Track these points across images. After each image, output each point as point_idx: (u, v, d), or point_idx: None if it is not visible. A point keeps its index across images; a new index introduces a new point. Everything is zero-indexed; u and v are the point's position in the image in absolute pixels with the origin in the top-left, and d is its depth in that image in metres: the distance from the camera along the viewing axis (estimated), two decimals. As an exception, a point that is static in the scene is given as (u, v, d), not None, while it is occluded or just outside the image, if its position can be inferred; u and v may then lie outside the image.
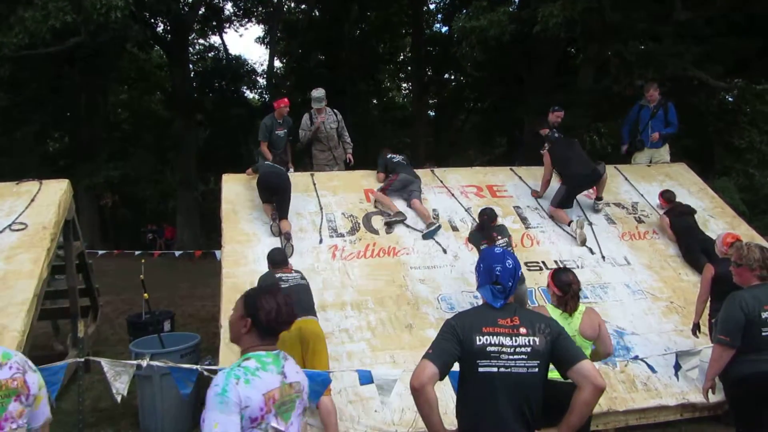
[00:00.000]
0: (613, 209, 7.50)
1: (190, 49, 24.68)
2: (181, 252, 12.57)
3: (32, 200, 6.50)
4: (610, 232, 7.12)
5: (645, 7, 11.09)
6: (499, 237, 5.79)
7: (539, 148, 7.91)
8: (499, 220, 6.47)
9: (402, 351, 5.27)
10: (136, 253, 13.02)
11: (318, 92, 8.11)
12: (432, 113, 28.22)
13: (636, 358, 5.17)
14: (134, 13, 13.20)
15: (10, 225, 6.16)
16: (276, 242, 6.23)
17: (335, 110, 8.30)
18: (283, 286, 4.88)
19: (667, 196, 7.32)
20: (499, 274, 2.70)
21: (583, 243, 6.83)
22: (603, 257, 6.69)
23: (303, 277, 5.12)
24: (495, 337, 2.60)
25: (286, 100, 8.09)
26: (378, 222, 6.85)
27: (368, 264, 6.29)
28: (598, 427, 5.01)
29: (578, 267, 6.54)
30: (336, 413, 4.58)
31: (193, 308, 10.11)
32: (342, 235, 6.62)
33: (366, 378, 4.24)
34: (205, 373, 4.19)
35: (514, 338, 2.60)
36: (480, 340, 2.59)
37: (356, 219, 6.86)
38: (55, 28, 11.02)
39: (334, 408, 4.58)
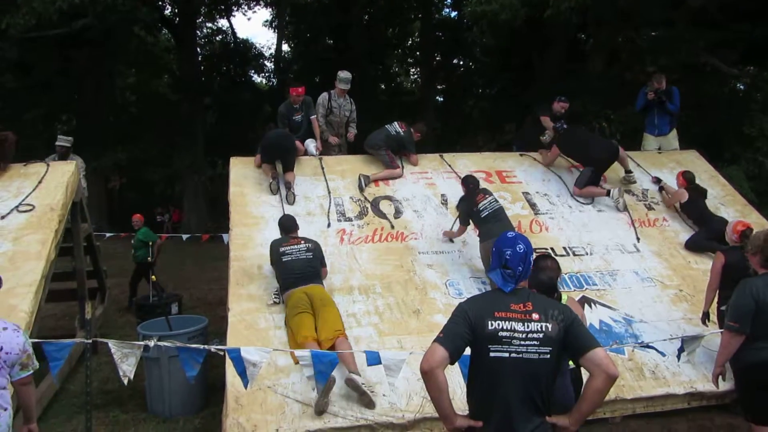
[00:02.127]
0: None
1: (198, 32, 24.56)
2: (188, 235, 12.58)
3: (40, 182, 6.52)
4: (620, 219, 7.06)
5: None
6: (486, 195, 6.04)
7: (538, 135, 7.95)
8: (509, 206, 6.50)
9: (409, 336, 5.25)
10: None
11: (345, 74, 8.06)
12: (440, 99, 28.06)
13: (642, 343, 5.14)
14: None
15: (17, 206, 6.18)
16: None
17: (351, 99, 8.23)
18: (285, 260, 5.32)
19: (688, 177, 7.31)
20: (509, 258, 2.66)
21: (625, 209, 7.08)
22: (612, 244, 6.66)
23: (309, 249, 5.40)
24: (507, 322, 2.57)
25: (300, 89, 7.79)
26: (386, 206, 6.82)
27: (376, 248, 6.27)
28: (605, 415, 5.00)
29: (587, 254, 6.52)
30: (353, 354, 4.73)
31: (200, 292, 10.14)
32: (350, 220, 6.60)
33: (374, 359, 4.22)
34: (213, 349, 4.18)
35: (526, 324, 2.57)
36: (492, 324, 2.57)
37: (364, 203, 6.83)
38: (63, 10, 10.98)
39: (349, 346, 4.84)
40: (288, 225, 5.66)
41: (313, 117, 7.84)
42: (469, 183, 6.28)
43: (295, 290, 5.17)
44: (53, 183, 6.49)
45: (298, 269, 5.28)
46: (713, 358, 4.31)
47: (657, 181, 7.72)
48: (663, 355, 5.03)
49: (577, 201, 7.24)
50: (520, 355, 2.56)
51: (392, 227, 6.55)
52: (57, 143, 8.29)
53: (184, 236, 12.29)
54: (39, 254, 5.66)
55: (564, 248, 6.52)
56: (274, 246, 5.49)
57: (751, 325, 3.75)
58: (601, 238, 6.76)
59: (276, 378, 4.74)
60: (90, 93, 19.18)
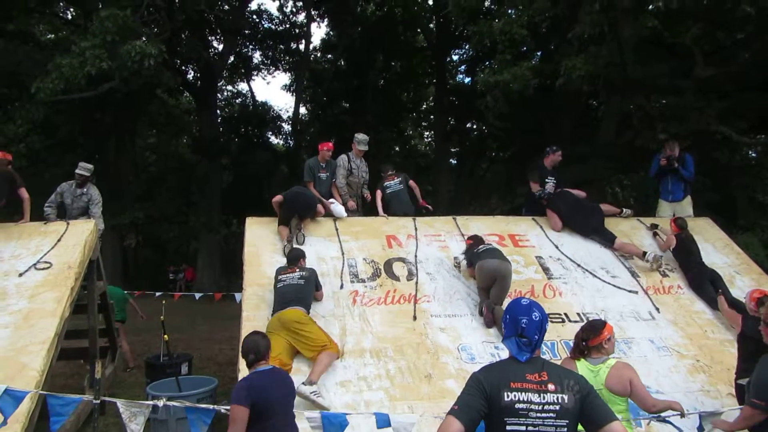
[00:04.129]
0: (636, 262, 7.39)
1: (218, 95, 25.35)
2: (201, 294, 12.61)
3: (59, 240, 6.63)
4: (635, 286, 7.01)
5: (667, 62, 11.19)
6: (484, 244, 6.68)
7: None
8: (522, 270, 6.75)
9: (421, 401, 5.16)
10: (157, 294, 13.11)
11: (363, 136, 8.33)
12: (454, 161, 28.42)
13: (659, 418, 5.00)
14: (166, 60, 13.64)
15: (35, 264, 6.27)
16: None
17: (366, 162, 8.44)
18: (278, 286, 5.79)
19: (679, 223, 7.52)
20: (524, 327, 2.65)
21: (658, 269, 7.28)
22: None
23: (302, 276, 5.82)
24: (523, 393, 2.53)
25: (330, 144, 8.21)
26: (399, 268, 6.84)
27: (388, 311, 6.24)
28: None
29: (601, 320, 6.42)
30: (328, 365, 5.19)
31: (211, 351, 10.09)
32: (363, 281, 6.60)
33: (383, 422, 4.16)
34: (223, 410, 4.14)
35: (542, 395, 2.53)
36: (508, 396, 2.53)
37: (377, 265, 6.85)
38: (91, 75, 11.41)
39: (329, 361, 5.22)
40: (289, 258, 6.15)
41: (334, 181, 8.05)
42: (474, 238, 6.95)
43: (273, 316, 5.55)
44: (72, 241, 6.61)
45: (287, 294, 5.66)
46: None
47: (654, 226, 7.93)
48: (680, 431, 4.88)
49: (586, 269, 7.17)
50: (537, 429, 2.51)
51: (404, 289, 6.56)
52: (77, 171, 7.81)
53: (197, 295, 12.31)
54: (54, 312, 5.71)
55: (578, 314, 6.44)
56: (276, 273, 6.01)
57: None
58: (616, 304, 6.68)
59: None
60: (111, 152, 19.69)
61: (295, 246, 6.69)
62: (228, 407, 4.22)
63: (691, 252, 7.27)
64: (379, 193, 8.18)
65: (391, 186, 8.18)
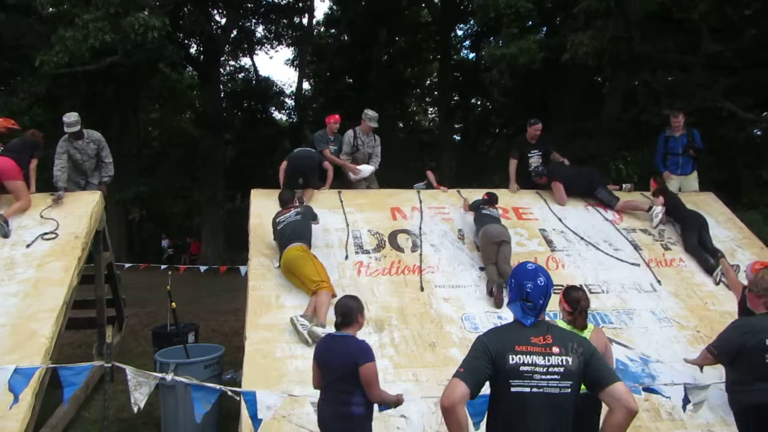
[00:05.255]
0: (639, 235, 7.43)
1: (221, 69, 25.21)
2: (206, 267, 12.69)
3: (65, 210, 6.67)
4: (636, 258, 7.05)
5: (673, 38, 11.10)
6: (493, 206, 7.02)
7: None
8: (525, 242, 6.94)
9: (425, 369, 5.23)
10: (162, 267, 13.20)
11: (373, 113, 8.27)
12: (457, 137, 28.33)
13: (645, 387, 5.03)
14: (170, 34, 13.55)
15: (42, 234, 6.32)
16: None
17: (375, 135, 8.41)
18: (279, 228, 6.15)
19: (658, 180, 7.93)
20: (529, 291, 2.68)
21: (657, 225, 7.55)
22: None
23: (298, 212, 6.21)
24: (528, 356, 2.57)
25: (337, 116, 8.29)
26: (403, 240, 6.89)
27: (393, 281, 6.30)
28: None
29: (603, 292, 6.49)
30: (329, 304, 5.34)
31: (216, 323, 10.17)
32: (368, 252, 6.66)
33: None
34: (229, 393, 4.20)
35: (546, 357, 2.58)
36: (513, 359, 2.57)
37: (382, 236, 6.90)
38: (94, 48, 11.35)
39: (327, 301, 5.43)
40: (284, 198, 6.55)
41: (325, 149, 8.05)
42: (491, 194, 7.24)
43: (282, 255, 5.93)
44: (78, 211, 6.65)
45: (286, 233, 6.03)
46: (712, 407, 4.61)
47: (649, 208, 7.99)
48: (668, 398, 4.95)
49: (589, 242, 7.21)
50: (542, 390, 2.55)
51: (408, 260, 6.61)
52: (65, 129, 7.23)
53: (202, 268, 12.39)
54: (62, 281, 5.77)
55: (581, 285, 6.49)
56: (273, 218, 6.33)
57: (744, 366, 3.89)
58: (618, 276, 6.74)
59: (291, 408, 4.73)
60: (115, 127, 19.67)
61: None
62: (234, 389, 4.30)
63: (681, 205, 7.62)
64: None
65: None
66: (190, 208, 23.49)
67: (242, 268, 12.43)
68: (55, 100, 15.08)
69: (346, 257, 6.55)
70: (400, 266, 6.53)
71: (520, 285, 2.73)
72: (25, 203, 6.59)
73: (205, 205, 20.64)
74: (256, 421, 3.96)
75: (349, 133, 8.21)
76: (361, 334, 5.56)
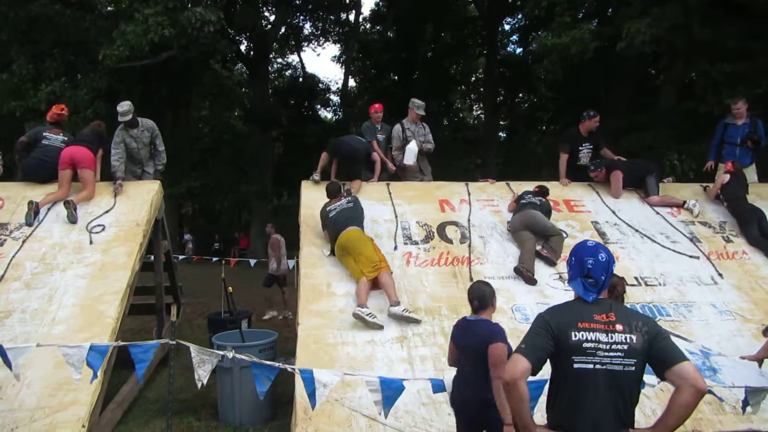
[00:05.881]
0: (698, 228, 7.23)
1: (269, 66, 25.61)
2: (255, 261, 12.96)
3: (128, 198, 6.93)
4: (695, 251, 6.86)
5: (736, 24, 10.71)
6: (535, 196, 6.95)
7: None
8: (577, 234, 6.85)
9: (476, 358, 5.23)
10: (213, 259, 13.55)
11: (420, 102, 8.27)
12: (503, 134, 28.05)
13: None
14: (223, 29, 13.88)
15: (107, 221, 6.58)
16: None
17: (424, 123, 8.39)
18: (331, 216, 6.29)
19: (736, 165, 7.62)
20: (591, 267, 2.66)
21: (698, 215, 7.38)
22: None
23: (350, 201, 6.42)
24: (591, 333, 2.56)
25: (379, 105, 8.36)
26: (452, 232, 6.88)
27: (442, 272, 6.30)
28: (682, 448, 4.80)
29: (660, 284, 6.34)
30: (394, 285, 5.69)
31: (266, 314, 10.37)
32: (416, 243, 6.68)
33: (438, 387, 4.21)
34: (289, 369, 4.29)
35: (610, 335, 2.55)
36: (575, 335, 2.56)
37: (431, 228, 6.91)
38: (154, 41, 11.72)
39: (392, 281, 5.71)
40: (332, 190, 6.69)
41: (373, 141, 8.03)
42: (541, 186, 7.29)
43: (338, 238, 6.07)
44: (139, 200, 6.90)
45: (340, 219, 6.21)
46: None
47: (704, 189, 7.87)
48: (721, 400, 4.81)
49: (644, 234, 7.05)
50: (605, 367, 2.53)
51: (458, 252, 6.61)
52: (120, 119, 7.46)
53: (252, 261, 12.66)
54: (125, 265, 6.00)
55: (636, 278, 6.36)
56: (322, 209, 6.48)
57: None
58: (675, 269, 6.57)
59: (344, 392, 4.80)
60: (168, 123, 20.23)
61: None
62: (292, 366, 4.39)
63: (741, 189, 7.38)
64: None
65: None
66: (239, 204, 23.94)
67: (290, 262, 12.72)
68: (113, 96, 15.59)
69: (395, 248, 6.58)
70: (449, 257, 6.53)
71: (581, 262, 2.70)
72: (92, 192, 6.87)
73: (253, 200, 21.02)
74: (312, 399, 4.03)
75: (397, 127, 8.19)
76: (407, 324, 5.63)
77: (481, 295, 3.99)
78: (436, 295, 5.99)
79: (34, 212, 6.45)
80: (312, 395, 4.01)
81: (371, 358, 5.21)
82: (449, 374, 4.90)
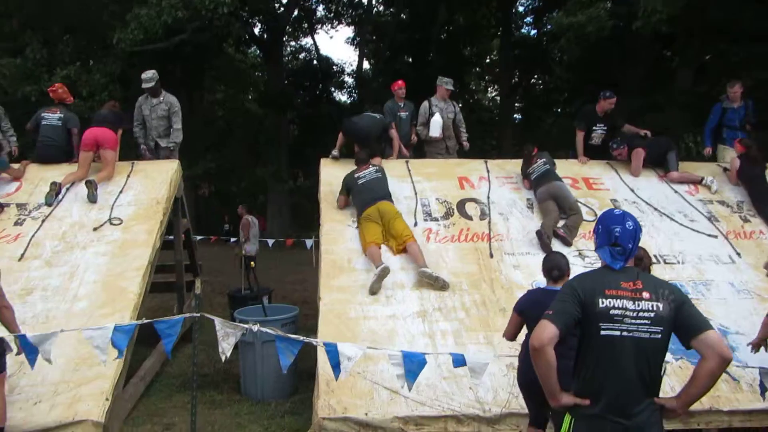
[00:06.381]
0: (716, 207, 7.20)
1: (283, 49, 25.54)
2: (273, 240, 13.06)
3: (146, 177, 7.00)
4: (713, 230, 6.83)
5: (750, 6, 10.54)
6: (538, 159, 7.08)
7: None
8: (598, 212, 6.74)
9: (496, 333, 5.23)
10: (231, 240, 13.64)
11: (449, 77, 8.29)
12: (518, 116, 27.85)
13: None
14: (236, 11, 13.85)
15: (126, 199, 6.66)
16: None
17: (455, 102, 8.35)
18: (360, 182, 6.45)
19: (744, 142, 7.50)
20: (618, 235, 2.66)
21: (716, 191, 7.41)
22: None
23: (378, 170, 6.58)
24: (618, 300, 2.56)
25: (401, 81, 8.31)
26: (472, 208, 6.90)
27: (462, 248, 6.34)
28: (699, 426, 4.83)
29: (679, 262, 6.34)
30: (422, 252, 5.92)
31: (285, 291, 10.45)
32: (436, 220, 6.71)
33: (459, 361, 4.20)
34: (314, 342, 4.33)
35: (636, 302, 2.56)
36: (603, 302, 2.56)
37: (450, 205, 6.93)
38: (167, 24, 11.73)
39: (419, 248, 5.96)
40: (359, 158, 6.82)
41: (392, 123, 7.93)
42: (524, 149, 7.53)
43: (371, 206, 6.25)
44: (158, 179, 6.97)
45: (374, 189, 6.40)
46: None
47: (724, 170, 7.77)
48: (735, 380, 4.80)
49: (663, 213, 7.03)
50: (632, 334, 2.54)
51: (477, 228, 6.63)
52: (143, 85, 7.70)
53: (270, 241, 12.75)
54: (146, 242, 6.09)
55: (655, 256, 6.34)
56: (348, 176, 6.60)
57: None
58: (694, 247, 6.56)
59: (365, 365, 4.85)
60: (184, 106, 20.29)
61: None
62: (316, 340, 4.43)
63: (757, 175, 7.32)
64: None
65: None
66: (254, 186, 24.03)
67: (308, 242, 12.82)
68: (127, 80, 15.64)
69: (415, 224, 6.61)
70: (469, 234, 6.56)
71: (608, 230, 2.71)
72: (111, 172, 6.95)
73: (269, 181, 21.09)
74: (336, 371, 4.07)
75: (425, 103, 8.16)
76: (435, 297, 5.65)
77: (560, 265, 4.03)
78: (457, 271, 6.02)
79: (55, 192, 6.54)
80: (336, 367, 4.05)
81: (393, 332, 5.27)
82: (471, 348, 4.98)
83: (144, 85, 7.65)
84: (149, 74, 7.72)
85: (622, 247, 2.66)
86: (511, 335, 4.18)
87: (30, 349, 3.93)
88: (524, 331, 4.07)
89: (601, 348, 2.59)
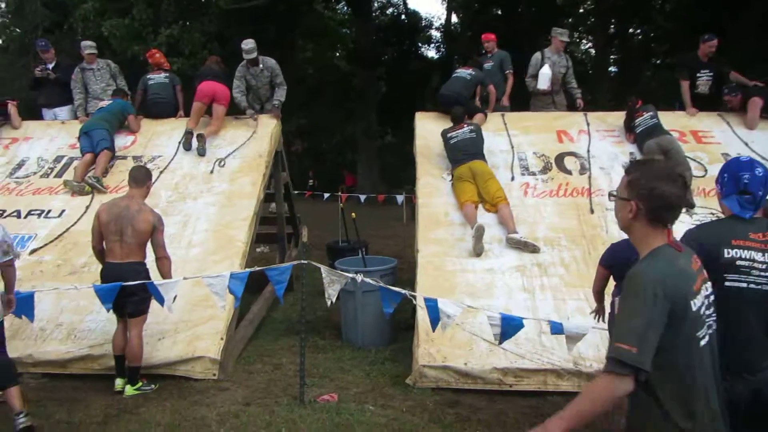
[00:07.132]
0: None
1: (372, 5, 25.37)
2: (365, 196, 13.28)
3: (249, 132, 7.27)
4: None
5: None
6: (644, 112, 6.83)
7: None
8: (707, 167, 6.61)
9: (597, 290, 5.16)
10: (326, 195, 13.99)
11: (563, 28, 8.13)
12: (614, 69, 26.50)
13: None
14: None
15: (232, 152, 6.97)
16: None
17: (567, 55, 8.11)
18: (452, 142, 6.45)
19: None
20: (747, 182, 2.51)
21: None
22: None
23: (472, 130, 6.49)
24: (746, 251, 2.42)
25: (489, 34, 8.29)
26: (571, 163, 6.72)
27: (561, 203, 6.22)
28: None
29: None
30: (512, 217, 5.85)
31: (378, 246, 10.60)
32: (534, 174, 6.60)
33: (557, 329, 4.10)
34: (414, 301, 4.37)
35: (766, 254, 2.42)
36: (729, 252, 2.43)
37: (548, 159, 6.78)
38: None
39: (510, 212, 5.90)
40: (456, 114, 6.68)
41: (485, 78, 7.71)
42: (628, 101, 7.24)
43: (462, 165, 6.25)
44: (260, 133, 7.23)
45: (467, 147, 6.35)
46: None
47: None
48: None
49: None
50: (760, 287, 2.41)
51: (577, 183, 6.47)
52: (244, 56, 7.67)
53: (362, 197, 12.97)
54: (251, 194, 6.38)
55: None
56: (443, 132, 6.62)
57: None
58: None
59: (464, 317, 4.87)
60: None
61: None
62: (416, 294, 4.51)
63: None
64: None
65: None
66: (344, 143, 24.32)
67: (399, 198, 12.94)
68: (224, 39, 16.09)
69: (512, 178, 6.54)
70: (568, 188, 6.42)
71: (735, 177, 2.55)
72: (220, 126, 7.27)
73: (359, 137, 21.31)
74: (434, 323, 4.13)
75: (537, 54, 7.94)
76: (526, 254, 5.60)
77: None
78: (555, 226, 5.94)
79: (190, 141, 7.03)
80: (434, 322, 4.11)
81: (491, 285, 5.29)
82: (571, 305, 4.91)
83: (246, 56, 7.64)
84: (249, 45, 7.66)
85: (752, 195, 2.50)
86: (598, 288, 4.16)
87: (158, 294, 4.29)
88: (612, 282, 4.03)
89: (726, 300, 2.42)
